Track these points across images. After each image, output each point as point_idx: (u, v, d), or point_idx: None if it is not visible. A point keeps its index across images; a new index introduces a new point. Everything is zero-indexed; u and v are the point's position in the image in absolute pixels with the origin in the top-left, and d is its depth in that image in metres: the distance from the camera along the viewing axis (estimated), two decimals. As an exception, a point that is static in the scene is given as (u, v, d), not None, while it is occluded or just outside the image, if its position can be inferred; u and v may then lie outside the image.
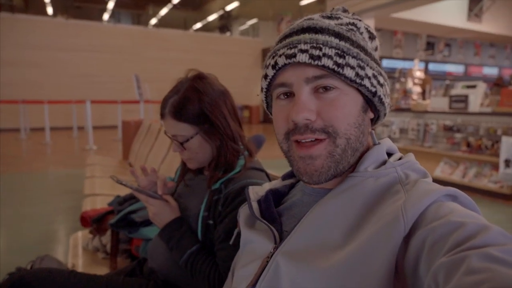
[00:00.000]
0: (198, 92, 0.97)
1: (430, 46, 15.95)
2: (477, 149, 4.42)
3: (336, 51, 0.53)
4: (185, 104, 0.96)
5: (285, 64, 0.55)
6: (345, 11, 0.63)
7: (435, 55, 16.13)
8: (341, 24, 0.57)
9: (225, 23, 19.26)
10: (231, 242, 0.75)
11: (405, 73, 6.38)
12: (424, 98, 6.08)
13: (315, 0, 14.16)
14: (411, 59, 6.56)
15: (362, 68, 0.55)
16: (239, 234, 0.71)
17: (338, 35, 0.55)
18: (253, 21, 17.82)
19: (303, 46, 0.54)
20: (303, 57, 0.53)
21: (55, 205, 3.75)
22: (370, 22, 6.91)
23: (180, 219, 1.02)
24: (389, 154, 0.62)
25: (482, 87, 4.72)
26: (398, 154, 0.62)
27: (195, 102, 0.96)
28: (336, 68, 0.53)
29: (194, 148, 0.99)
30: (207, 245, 0.99)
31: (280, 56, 0.55)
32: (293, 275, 0.53)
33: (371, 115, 0.61)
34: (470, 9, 9.37)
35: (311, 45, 0.53)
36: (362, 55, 0.55)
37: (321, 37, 0.54)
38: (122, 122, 4.44)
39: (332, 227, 0.54)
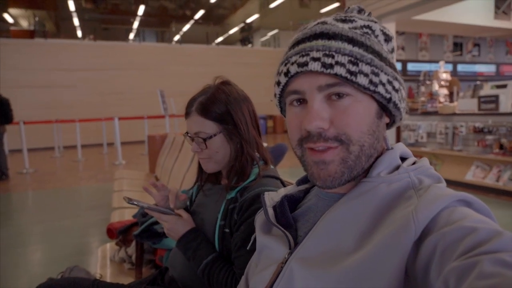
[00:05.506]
0: (225, 93, 1.03)
1: (457, 47, 15.46)
2: (511, 151, 4.22)
3: (349, 58, 0.52)
4: (213, 103, 1.01)
5: (297, 72, 0.55)
6: (360, 11, 0.61)
7: (464, 55, 15.61)
8: (355, 28, 0.56)
9: (246, 35, 19.53)
10: (248, 248, 0.76)
11: (431, 76, 6.21)
12: (451, 101, 5.89)
13: (335, 7, 14.14)
14: (438, 62, 6.38)
15: (376, 74, 0.54)
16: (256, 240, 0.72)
17: (351, 41, 0.53)
18: (274, 31, 17.99)
19: (315, 54, 0.53)
20: (315, 66, 0.52)
21: (87, 218, 3.89)
22: (391, 26, 6.79)
23: (194, 230, 1.04)
24: (403, 159, 0.61)
25: (513, 86, 4.53)
26: (412, 159, 0.61)
27: (222, 102, 1.01)
28: (349, 76, 0.52)
29: (215, 146, 1.02)
30: (224, 254, 1.00)
31: (292, 64, 0.55)
32: (306, 281, 0.54)
33: (387, 120, 0.60)
34: (497, 7, 9.04)
35: (324, 52, 0.53)
36: (376, 60, 0.54)
37: (334, 44, 0.53)
38: (148, 137, 4.56)
39: (345, 233, 0.54)
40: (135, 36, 17.34)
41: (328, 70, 0.52)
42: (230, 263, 0.98)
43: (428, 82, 6.10)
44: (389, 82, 0.55)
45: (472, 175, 4.60)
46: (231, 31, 18.73)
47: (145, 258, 1.63)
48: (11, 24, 15.34)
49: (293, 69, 0.55)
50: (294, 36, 0.60)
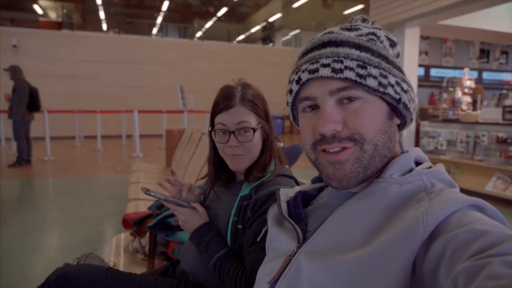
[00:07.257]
0: (261, 94, 1.09)
1: (484, 53, 15.04)
2: (535, 163, 4.09)
3: (358, 62, 0.55)
4: (255, 97, 1.06)
5: (309, 79, 0.57)
6: (364, 20, 0.65)
7: (490, 63, 15.18)
8: (361, 35, 0.59)
9: (268, 34, 19.52)
10: (258, 239, 0.78)
11: (454, 83, 6.07)
12: (474, 109, 5.74)
13: (358, 9, 13.97)
14: (463, 68, 6.22)
15: (385, 76, 0.56)
16: (266, 233, 0.74)
17: (358, 47, 0.56)
18: (296, 31, 17.91)
19: (325, 61, 0.56)
20: (325, 71, 0.55)
21: (103, 207, 3.98)
22: (415, 31, 6.66)
23: (208, 224, 1.06)
24: (419, 164, 0.61)
25: (540, 96, 4.38)
26: (427, 164, 0.61)
27: (261, 98, 1.08)
28: (358, 79, 0.54)
29: (256, 139, 1.04)
30: (235, 249, 1.02)
31: (303, 71, 0.58)
32: (314, 274, 0.55)
33: (397, 121, 0.62)
34: (528, 14, 8.75)
35: (333, 58, 0.55)
36: (383, 64, 0.57)
37: (342, 50, 0.56)
38: (166, 131, 4.62)
39: (354, 229, 0.55)
40: (158, 31, 17.57)
41: (338, 75, 0.54)
42: (241, 259, 0.99)
43: (451, 89, 5.96)
44: (398, 84, 0.57)
45: (493, 186, 4.48)
46: (253, 30, 18.75)
47: (157, 249, 1.66)
48: (40, 15, 15.80)
49: (304, 76, 0.57)
50: (303, 47, 0.63)
